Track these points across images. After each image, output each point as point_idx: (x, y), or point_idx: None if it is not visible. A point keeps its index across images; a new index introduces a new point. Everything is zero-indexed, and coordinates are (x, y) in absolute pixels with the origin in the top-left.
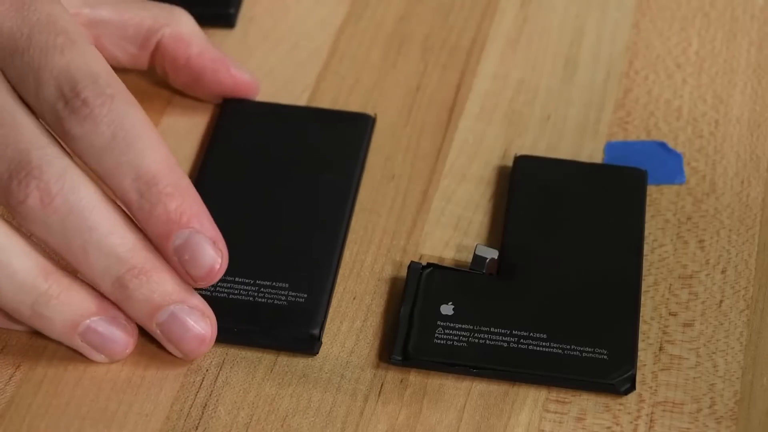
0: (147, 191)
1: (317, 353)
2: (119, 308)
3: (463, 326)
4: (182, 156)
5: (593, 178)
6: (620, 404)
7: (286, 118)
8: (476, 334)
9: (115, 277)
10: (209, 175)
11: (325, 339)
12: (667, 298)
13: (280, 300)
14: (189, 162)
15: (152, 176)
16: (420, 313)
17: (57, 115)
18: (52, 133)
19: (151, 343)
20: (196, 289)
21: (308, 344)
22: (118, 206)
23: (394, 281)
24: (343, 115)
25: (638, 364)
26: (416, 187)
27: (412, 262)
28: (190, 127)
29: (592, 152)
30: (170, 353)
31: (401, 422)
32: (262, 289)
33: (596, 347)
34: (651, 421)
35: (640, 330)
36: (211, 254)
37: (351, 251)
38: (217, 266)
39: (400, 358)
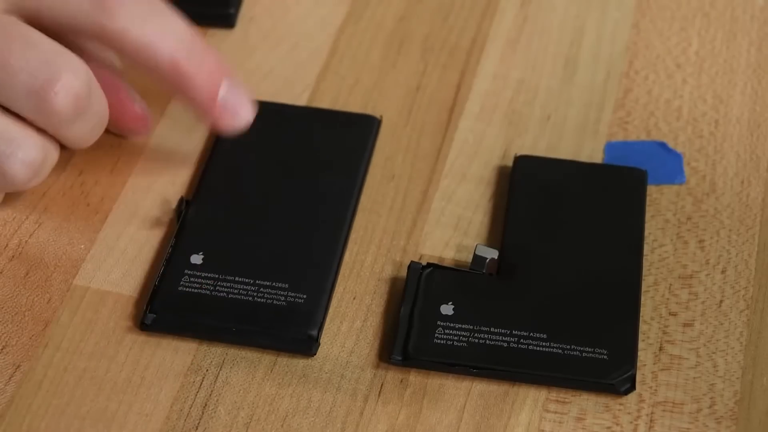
0: (193, 49)
1: (315, 354)
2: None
3: (463, 326)
4: (185, 154)
5: (593, 178)
6: (620, 404)
7: (292, 119)
8: (476, 334)
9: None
10: (213, 173)
11: (325, 339)
12: (667, 298)
13: (279, 300)
14: (193, 160)
15: (192, 36)
16: (420, 313)
17: None
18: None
19: (151, 343)
20: (194, 289)
21: (306, 345)
22: None
23: (394, 281)
24: (349, 117)
25: (638, 364)
26: (416, 187)
27: (412, 262)
28: (193, 125)
29: (592, 152)
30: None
31: (401, 422)
32: (261, 289)
33: (596, 347)
34: (651, 421)
35: (640, 330)
36: (249, 102)
37: (351, 251)
38: (253, 113)
39: (400, 358)
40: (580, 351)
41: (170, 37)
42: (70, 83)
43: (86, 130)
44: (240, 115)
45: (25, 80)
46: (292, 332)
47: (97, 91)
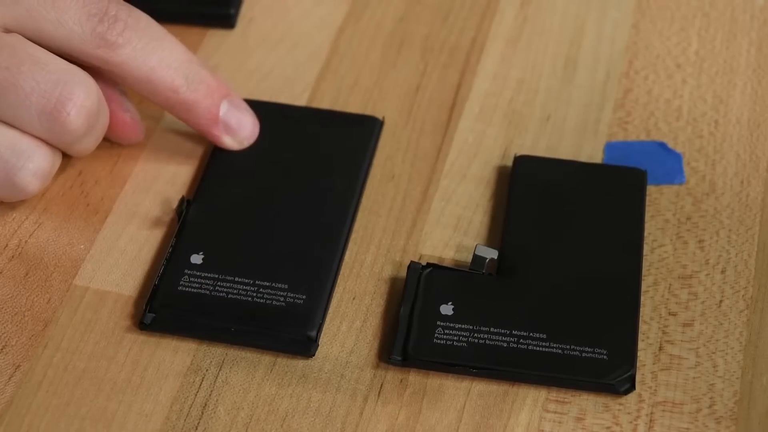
0: (191, 72)
1: (314, 355)
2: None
3: (463, 326)
4: (186, 154)
5: (593, 178)
6: (620, 404)
7: (294, 119)
8: (476, 334)
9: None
10: (214, 173)
11: (324, 339)
12: (667, 298)
13: (279, 301)
14: (193, 160)
15: (189, 60)
16: (420, 313)
17: (95, 31)
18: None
19: (151, 343)
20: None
21: (305, 346)
22: None
23: (394, 281)
24: (352, 117)
25: (638, 364)
26: (416, 187)
27: (411, 262)
28: None
29: (592, 152)
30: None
31: (401, 422)
32: (261, 290)
33: (596, 347)
34: (651, 421)
35: (639, 330)
36: (252, 117)
37: (351, 251)
38: (257, 127)
39: (399, 358)
40: (579, 351)
41: (170, 65)
42: (81, 102)
43: (92, 142)
44: (242, 134)
45: (36, 101)
46: (291, 333)
47: (104, 104)
